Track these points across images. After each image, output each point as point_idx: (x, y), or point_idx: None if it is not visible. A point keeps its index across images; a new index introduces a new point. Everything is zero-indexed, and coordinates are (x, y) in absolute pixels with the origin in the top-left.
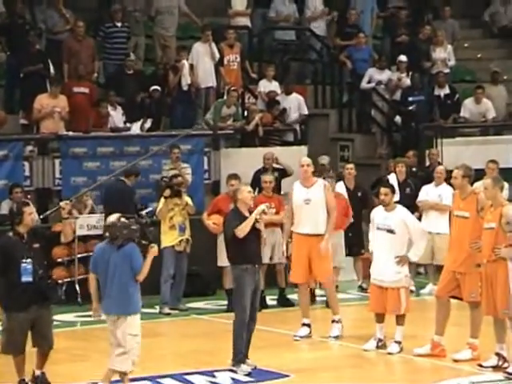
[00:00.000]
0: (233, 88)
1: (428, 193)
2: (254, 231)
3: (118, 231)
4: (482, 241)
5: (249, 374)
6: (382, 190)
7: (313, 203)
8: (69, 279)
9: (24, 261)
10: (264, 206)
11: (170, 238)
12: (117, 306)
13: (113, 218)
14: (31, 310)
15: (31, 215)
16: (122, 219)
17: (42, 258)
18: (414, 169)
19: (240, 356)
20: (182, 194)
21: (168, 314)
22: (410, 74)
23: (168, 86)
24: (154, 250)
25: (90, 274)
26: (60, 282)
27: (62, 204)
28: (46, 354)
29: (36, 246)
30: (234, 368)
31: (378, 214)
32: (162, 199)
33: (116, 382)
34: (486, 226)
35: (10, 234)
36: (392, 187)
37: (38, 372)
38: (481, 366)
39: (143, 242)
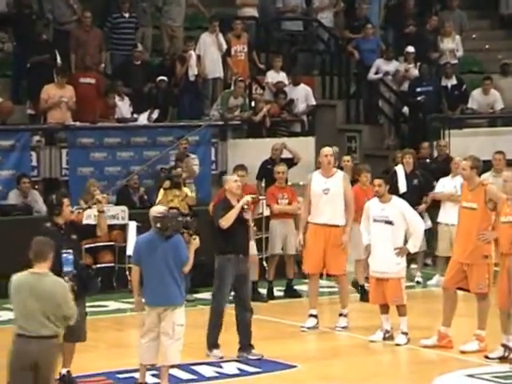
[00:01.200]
0: (240, 79)
1: (445, 185)
2: (241, 221)
3: (169, 222)
4: (500, 234)
5: (221, 358)
6: (376, 181)
7: (331, 193)
8: None
9: (64, 251)
10: (249, 197)
11: None
12: (166, 297)
13: (161, 208)
14: None
15: (69, 207)
16: (171, 211)
17: (80, 249)
18: (427, 160)
19: (212, 341)
20: (182, 185)
21: None
22: (418, 64)
23: (175, 76)
24: (196, 242)
25: (133, 266)
26: None
27: (98, 197)
28: (71, 351)
29: (74, 237)
30: (208, 352)
31: (373, 206)
32: (162, 190)
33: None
34: (504, 220)
35: (48, 224)
36: (385, 178)
37: (63, 371)
38: (487, 357)
39: (186, 233)
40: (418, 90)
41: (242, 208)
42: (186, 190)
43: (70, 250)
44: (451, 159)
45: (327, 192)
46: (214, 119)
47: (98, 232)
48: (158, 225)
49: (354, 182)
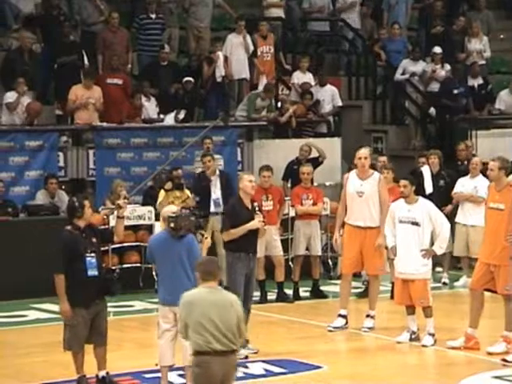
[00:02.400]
0: (271, 83)
1: (464, 185)
2: (251, 220)
3: (182, 222)
4: None
5: (246, 358)
6: (401, 182)
7: (365, 196)
8: None
9: (88, 255)
10: (259, 222)
11: None
12: (181, 296)
13: (174, 208)
14: (94, 305)
15: (90, 209)
16: (184, 210)
17: (100, 252)
18: (465, 162)
19: None
20: (183, 186)
21: None
22: (451, 66)
23: (202, 77)
24: (208, 241)
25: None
26: None
27: (120, 203)
28: (104, 353)
29: (94, 240)
30: None
31: (399, 207)
32: (162, 192)
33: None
34: None
35: (69, 227)
36: (411, 179)
37: (102, 373)
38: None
39: (198, 232)
40: (455, 91)
41: (254, 211)
42: (187, 191)
43: (94, 254)
44: None
45: (361, 195)
46: (218, 122)
47: (115, 238)
48: (172, 224)
49: None
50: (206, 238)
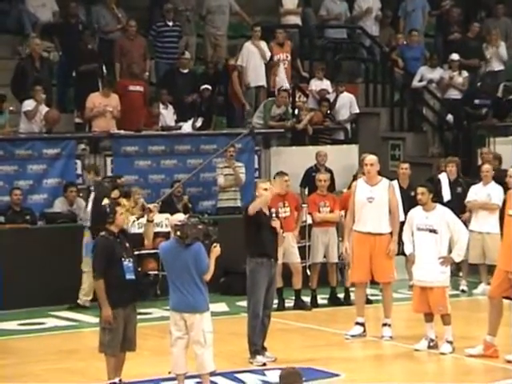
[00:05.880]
0: (283, 88)
1: (476, 193)
2: (270, 228)
3: (189, 230)
4: None
5: (264, 365)
6: (419, 189)
7: (376, 202)
8: None
9: (124, 259)
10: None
11: None
12: (190, 304)
13: (181, 217)
14: (129, 308)
15: (122, 215)
16: (191, 219)
17: (134, 256)
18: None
19: (255, 347)
20: (131, 194)
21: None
22: (479, 77)
23: (231, 84)
24: (216, 250)
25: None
26: None
27: (151, 206)
28: (123, 360)
29: (128, 245)
30: (251, 360)
31: (417, 215)
32: (106, 200)
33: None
34: None
35: (104, 233)
36: (428, 186)
37: (116, 380)
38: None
39: (206, 241)
40: (477, 102)
41: (271, 216)
42: (136, 199)
43: (130, 258)
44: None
45: (371, 200)
46: (245, 133)
47: (146, 241)
48: (178, 233)
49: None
50: (215, 246)
